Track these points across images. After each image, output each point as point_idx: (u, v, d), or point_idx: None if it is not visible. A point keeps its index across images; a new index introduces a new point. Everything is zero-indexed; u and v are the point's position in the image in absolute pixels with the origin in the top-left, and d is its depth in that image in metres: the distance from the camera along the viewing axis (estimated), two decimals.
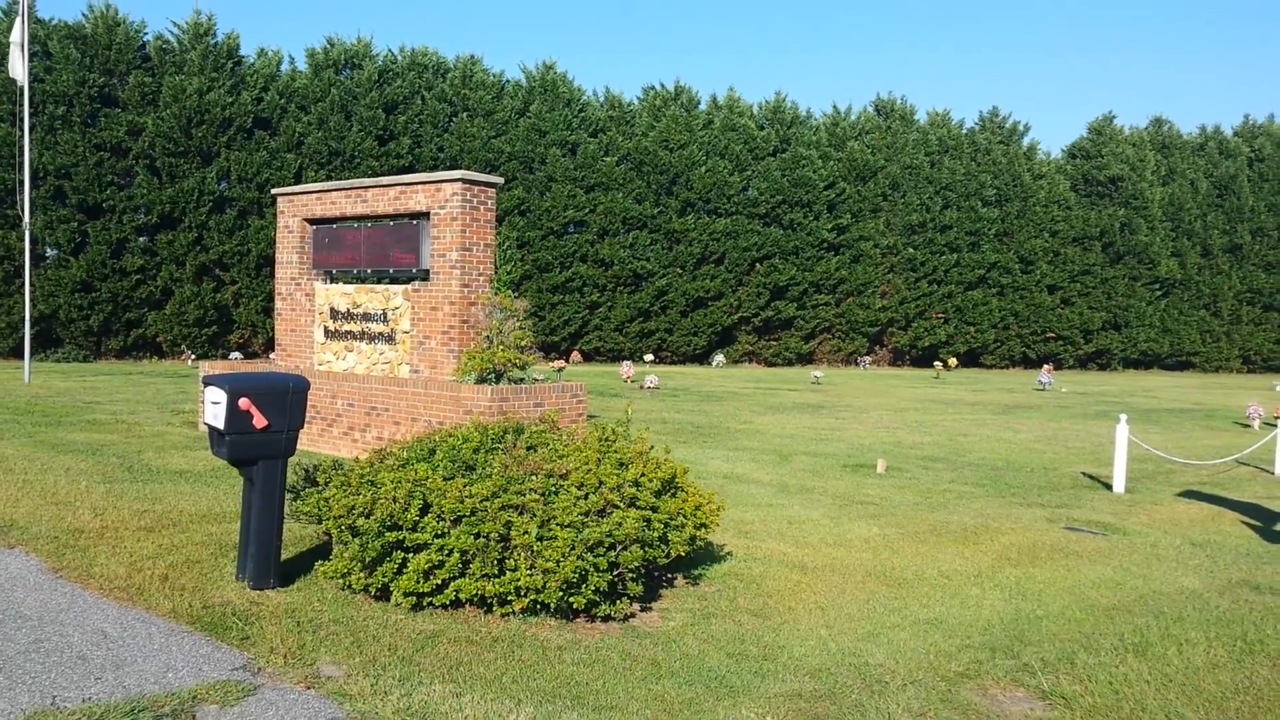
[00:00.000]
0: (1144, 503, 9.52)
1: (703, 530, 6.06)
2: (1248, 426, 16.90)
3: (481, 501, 5.41)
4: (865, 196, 34.44)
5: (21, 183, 20.63)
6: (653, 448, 6.35)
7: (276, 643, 4.82)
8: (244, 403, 5.57)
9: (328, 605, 5.39)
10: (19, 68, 19.02)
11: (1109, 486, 10.25)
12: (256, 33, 79.65)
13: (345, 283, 11.64)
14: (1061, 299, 36.44)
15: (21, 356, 21.04)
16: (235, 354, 27.09)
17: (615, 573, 5.36)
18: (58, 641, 4.73)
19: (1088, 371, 36.47)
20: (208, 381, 5.77)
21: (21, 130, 20.69)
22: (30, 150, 20.25)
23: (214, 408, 5.68)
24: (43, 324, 25.85)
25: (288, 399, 5.76)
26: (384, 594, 5.47)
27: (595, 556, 5.22)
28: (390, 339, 10.94)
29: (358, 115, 29.16)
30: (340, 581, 5.58)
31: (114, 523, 6.86)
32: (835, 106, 36.85)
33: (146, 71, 27.55)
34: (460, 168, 29.18)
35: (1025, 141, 37.76)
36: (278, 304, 12.37)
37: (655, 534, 5.63)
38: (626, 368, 22.92)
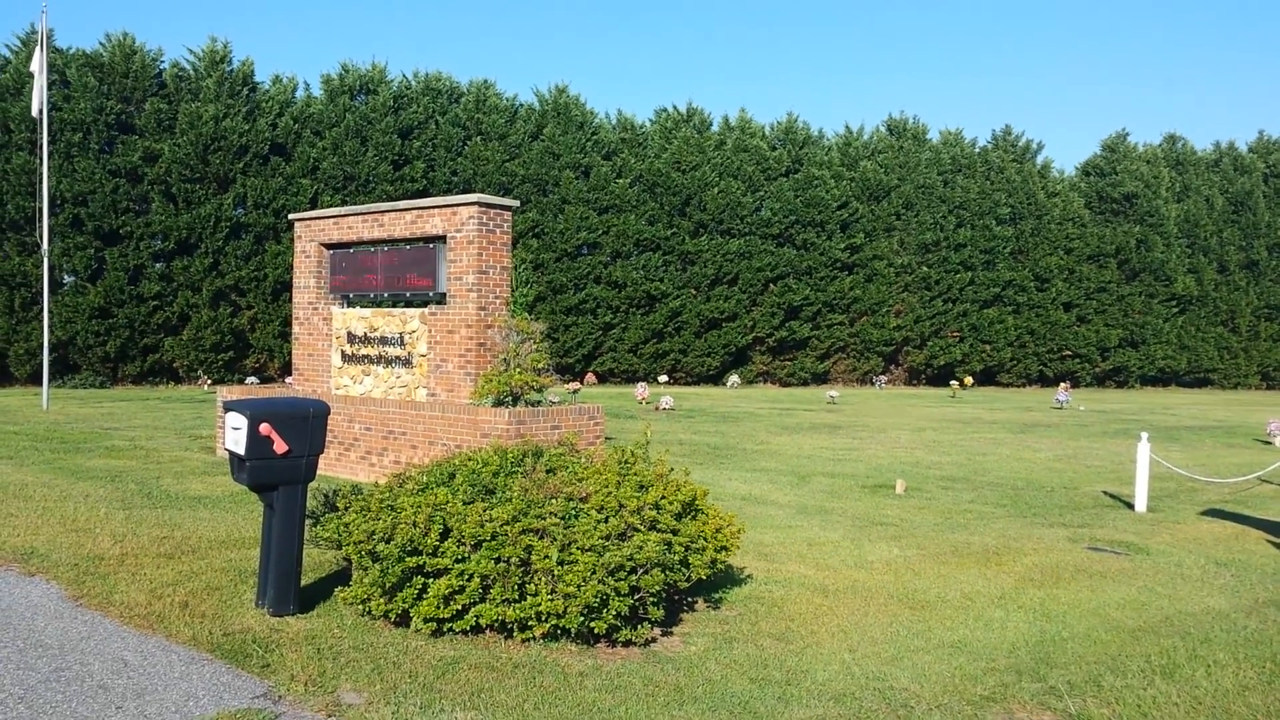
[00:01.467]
0: (1167, 522, 9.42)
1: (723, 553, 6.02)
2: (1269, 444, 16.74)
3: (502, 526, 5.39)
4: (879, 216, 34.44)
5: (40, 210, 20.82)
6: (672, 470, 6.32)
7: (297, 670, 4.80)
8: (265, 428, 5.58)
9: (348, 632, 5.37)
10: (36, 97, 19.24)
11: (1131, 505, 10.15)
12: (272, 59, 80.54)
13: (362, 307, 11.67)
14: (1078, 316, 36.29)
15: (40, 383, 21.19)
16: (251, 379, 27.20)
17: (636, 597, 5.32)
18: (79, 670, 4.72)
19: (1105, 389, 36.25)
20: (228, 407, 5.78)
21: (40, 158, 20.90)
22: (48, 178, 20.45)
23: (234, 433, 5.69)
24: (60, 350, 26.02)
25: (308, 424, 5.76)
26: (404, 620, 5.45)
27: (616, 580, 5.18)
28: (407, 362, 10.96)
29: (373, 140, 29.37)
30: (360, 607, 5.56)
31: (134, 549, 6.87)
32: (847, 126, 36.97)
33: (163, 99, 27.83)
34: (474, 191, 29.34)
35: (1039, 159, 37.75)
36: (295, 328, 12.41)
37: (676, 557, 5.59)
38: (641, 389, 22.90)
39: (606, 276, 31.44)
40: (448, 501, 5.63)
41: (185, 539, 7.22)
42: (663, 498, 5.91)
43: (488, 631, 5.38)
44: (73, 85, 26.63)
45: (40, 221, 20.80)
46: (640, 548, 5.36)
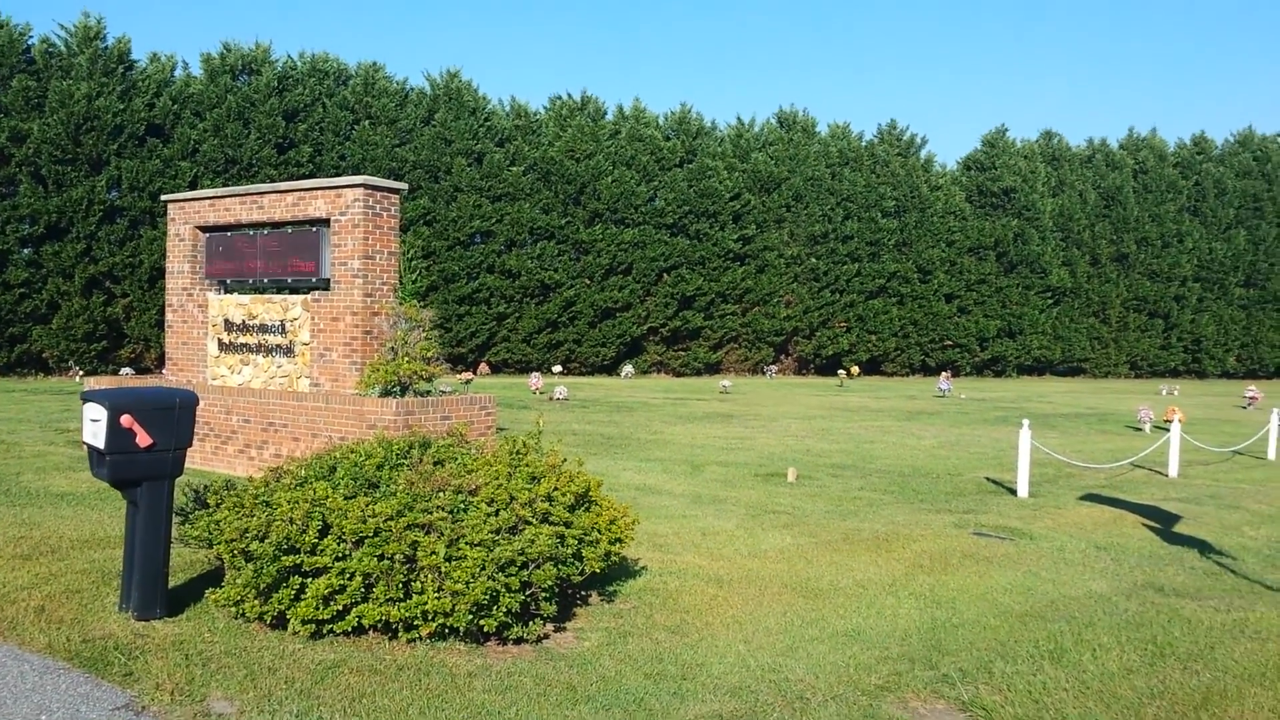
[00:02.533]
0: (1048, 507, 9.68)
1: (618, 545, 5.89)
2: (1139, 430, 17.47)
3: (386, 521, 5.15)
4: (769, 207, 34.83)
5: None
6: (565, 460, 6.16)
7: (163, 678, 4.49)
8: (126, 420, 5.22)
9: (219, 636, 5.06)
10: None
11: (1013, 491, 10.41)
12: (149, 38, 76.98)
13: (241, 293, 11.17)
14: (959, 307, 37.37)
15: None
16: (127, 370, 25.93)
17: (528, 593, 5.15)
18: None
19: (984, 378, 37.46)
20: (86, 398, 5.39)
21: None
22: None
23: (93, 425, 5.30)
24: None
25: (174, 415, 5.41)
26: (281, 622, 5.16)
27: (507, 576, 5.00)
28: (289, 351, 10.53)
29: (256, 122, 28.30)
30: (233, 610, 5.25)
31: None
32: (739, 118, 37.23)
33: (31, 75, 26.26)
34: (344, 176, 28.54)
35: (923, 154, 38.71)
36: (169, 316, 11.82)
37: (569, 551, 5.44)
38: (535, 379, 22.64)
39: (500, 265, 31.01)
40: (327, 496, 5.36)
41: (45, 539, 6.74)
42: (555, 489, 5.75)
43: (371, 633, 5.13)
44: None
45: None
46: (532, 541, 5.19)
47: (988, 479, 11.37)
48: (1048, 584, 6.80)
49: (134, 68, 27.83)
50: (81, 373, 25.75)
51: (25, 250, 26.15)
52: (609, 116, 34.09)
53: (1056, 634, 5.67)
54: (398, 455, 6.04)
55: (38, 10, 72.57)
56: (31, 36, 26.84)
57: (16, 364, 26.28)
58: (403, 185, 10.65)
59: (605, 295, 32.03)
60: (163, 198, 12.21)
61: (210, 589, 5.39)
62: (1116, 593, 6.63)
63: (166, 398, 5.45)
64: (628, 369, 31.94)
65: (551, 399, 19.96)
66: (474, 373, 28.68)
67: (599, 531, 5.77)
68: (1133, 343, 39.93)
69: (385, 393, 9.57)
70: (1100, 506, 9.77)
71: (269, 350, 10.70)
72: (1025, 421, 10.79)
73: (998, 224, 37.81)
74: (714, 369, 34.29)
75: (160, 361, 26.67)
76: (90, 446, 5.36)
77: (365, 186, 10.04)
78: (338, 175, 28.42)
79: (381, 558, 5.05)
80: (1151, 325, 40.14)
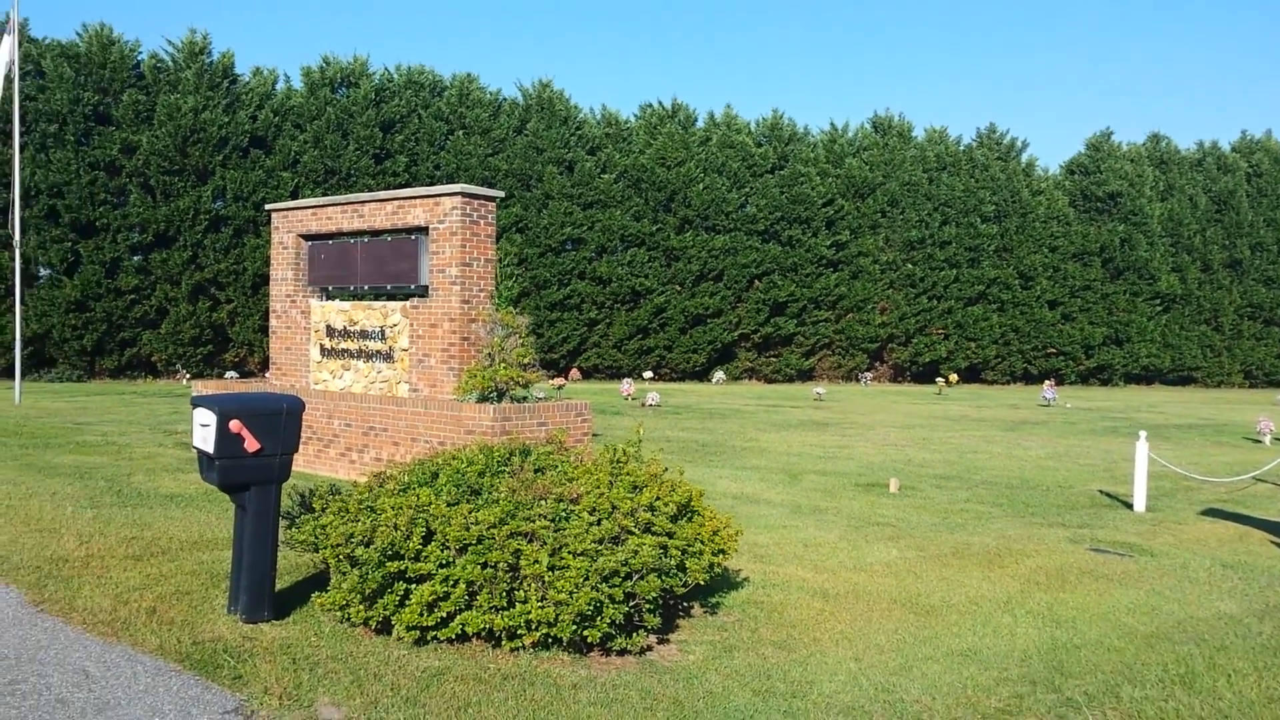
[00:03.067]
0: (1167, 522, 9.22)
1: (721, 556, 5.75)
2: (1258, 442, 16.62)
3: (488, 529, 5.11)
4: (864, 213, 34.25)
5: (12, 201, 20.31)
6: (666, 469, 6.05)
7: (271, 682, 4.50)
8: (235, 425, 5.27)
9: (325, 640, 5.07)
10: (3, 86, 18.76)
11: (1129, 505, 9.95)
12: (252, 51, 79.55)
13: (342, 300, 11.35)
14: (1062, 314, 36.20)
15: (12, 377, 20.70)
16: (231, 373, 26.74)
17: (632, 604, 5.05)
18: (35, 683, 4.41)
19: (1090, 387, 36.21)
20: (196, 403, 5.47)
21: (13, 148, 20.41)
22: (22, 169, 19.96)
23: (203, 430, 5.38)
24: (36, 344, 25.52)
25: (281, 421, 5.45)
26: (385, 627, 5.16)
27: (611, 587, 4.91)
28: (388, 357, 10.64)
29: (354, 133, 28.95)
30: (339, 614, 5.26)
31: (100, 551, 6.54)
32: (833, 123, 36.71)
33: (141, 90, 27.31)
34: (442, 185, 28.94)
35: (1024, 158, 37.64)
36: (272, 321, 12.07)
37: (673, 562, 5.32)
38: (627, 385, 22.61)
39: (591, 272, 31.11)
40: (431, 503, 5.34)
41: (155, 540, 6.90)
42: (657, 499, 5.64)
43: (474, 640, 5.09)
44: (48, 76, 26.09)
45: (12, 213, 20.29)
46: (635, 552, 5.09)
47: (1101, 492, 10.89)
48: (1173, 604, 6.43)
49: (237, 81, 28.71)
50: (188, 376, 26.62)
51: (135, 258, 27.19)
52: (699, 124, 33.95)
53: (1186, 657, 5.34)
54: (499, 462, 6.00)
55: (146, 26, 75.63)
56: (141, 52, 27.91)
57: (127, 367, 27.31)
58: (499, 193, 10.69)
59: (696, 302, 31.88)
60: (267, 207, 12.49)
61: (316, 593, 5.41)
62: (1248, 614, 6.24)
63: (273, 403, 5.49)
64: (719, 375, 31.72)
65: (644, 405, 19.89)
66: (565, 378, 28.81)
67: (702, 542, 5.64)
68: (1247, 351, 38.17)
69: (482, 398, 9.59)
70: (1223, 522, 9.27)
71: (369, 356, 10.84)
72: (1142, 433, 10.31)
73: (1103, 229, 36.55)
74: (806, 376, 33.84)
75: (263, 365, 27.45)
76: (200, 451, 5.44)
77: (463, 194, 10.10)
78: (432, 185, 28.92)
79: (485, 565, 5.00)
80: (1268, 334, 38.33)
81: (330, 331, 11.30)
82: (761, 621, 5.70)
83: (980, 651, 5.39)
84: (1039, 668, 5.18)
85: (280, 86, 29.56)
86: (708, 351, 32.23)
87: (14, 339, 21.08)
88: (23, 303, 19.88)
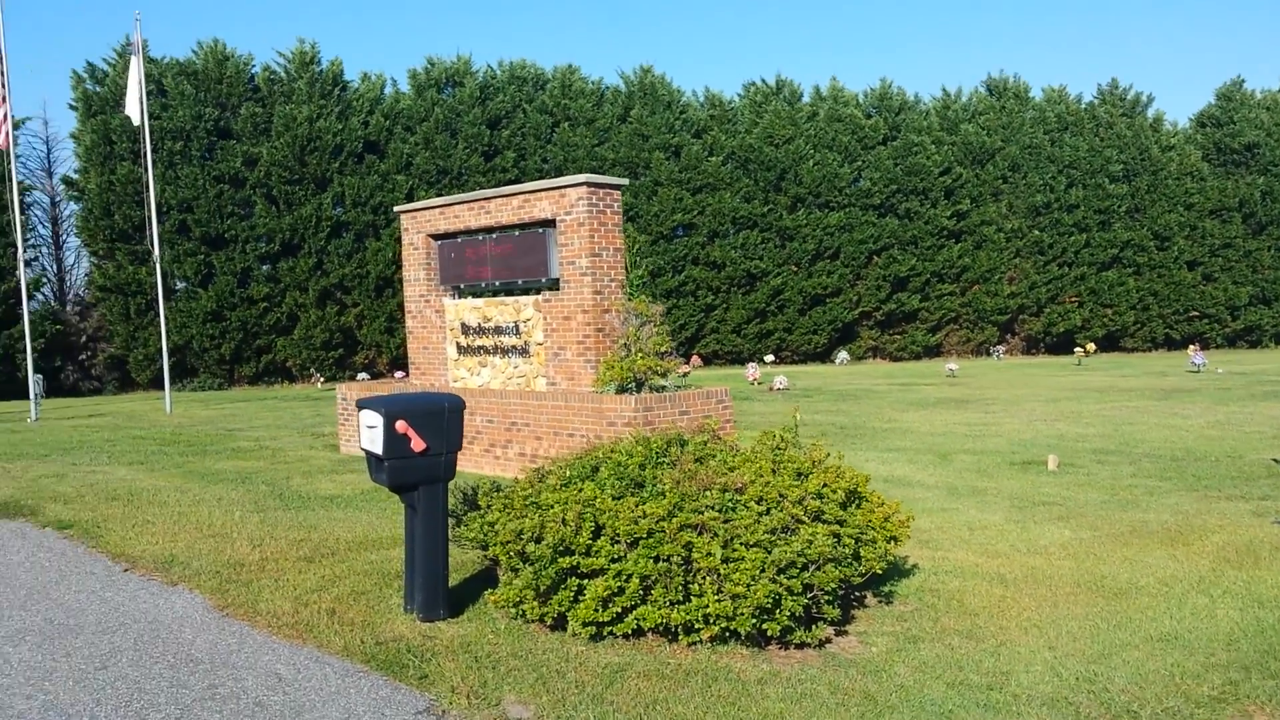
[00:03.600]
0: None
1: (893, 544, 5.54)
2: None
3: (658, 522, 5.02)
4: (984, 180, 33.17)
5: (149, 218, 21.25)
6: (829, 455, 5.87)
7: (457, 681, 4.50)
8: (400, 425, 5.30)
9: (503, 637, 5.06)
10: (135, 107, 19.61)
11: None
12: (358, 58, 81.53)
13: (474, 297, 11.45)
14: (1203, 275, 34.45)
15: (161, 387, 21.69)
16: (362, 375, 27.51)
17: (809, 595, 4.89)
18: (232, 687, 4.51)
19: (1238, 350, 34.37)
20: (362, 405, 5.52)
21: (144, 167, 21.34)
22: (154, 186, 20.87)
23: (370, 432, 5.43)
24: (178, 355, 26.69)
25: (444, 419, 5.47)
26: (559, 624, 5.12)
27: (788, 579, 4.76)
28: (524, 352, 10.70)
29: (462, 132, 29.38)
30: (512, 611, 5.25)
31: (273, 554, 6.71)
32: (944, 90, 35.70)
33: (257, 102, 28.23)
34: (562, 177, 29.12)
35: (1150, 112, 35.89)
36: (408, 322, 12.27)
37: (847, 551, 5.14)
38: (752, 370, 22.36)
39: (704, 257, 30.94)
40: (596, 497, 5.28)
41: (323, 541, 7.04)
42: (825, 485, 5.46)
43: (649, 635, 5.01)
44: (170, 94, 27.20)
45: (149, 229, 21.23)
46: (810, 542, 4.93)
47: (1275, 460, 10.23)
48: None
49: (348, 88, 29.42)
50: (322, 379, 27.49)
51: (264, 267, 28.20)
52: (805, 99, 33.38)
53: None
54: (657, 454, 5.91)
55: (253, 38, 78.24)
56: (254, 66, 28.85)
57: (264, 373, 28.35)
58: (623, 181, 10.60)
59: (813, 281, 31.39)
60: (395, 209, 12.69)
61: (488, 590, 5.42)
62: None
63: (436, 402, 5.51)
64: (842, 355, 31.19)
65: (772, 389, 19.64)
66: (689, 365, 28.74)
67: (874, 529, 5.45)
68: None
69: (621, 389, 9.54)
70: None
71: (505, 351, 10.91)
72: None
73: (1241, 183, 34.61)
74: (934, 352, 33.00)
75: (391, 365, 28.16)
76: (369, 452, 5.49)
77: (588, 185, 10.05)
78: (540, 178, 29.15)
79: (657, 559, 4.92)
80: None
81: (465, 329, 11.42)
82: (941, 610, 5.48)
83: (1181, 636, 5.06)
84: (1248, 651, 4.83)
85: (388, 91, 30.20)
86: (828, 332, 31.72)
87: (160, 350, 22.08)
88: (164, 315, 20.77)
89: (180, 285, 27.55)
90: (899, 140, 32.66)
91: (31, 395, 18.54)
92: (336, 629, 5.19)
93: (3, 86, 17.77)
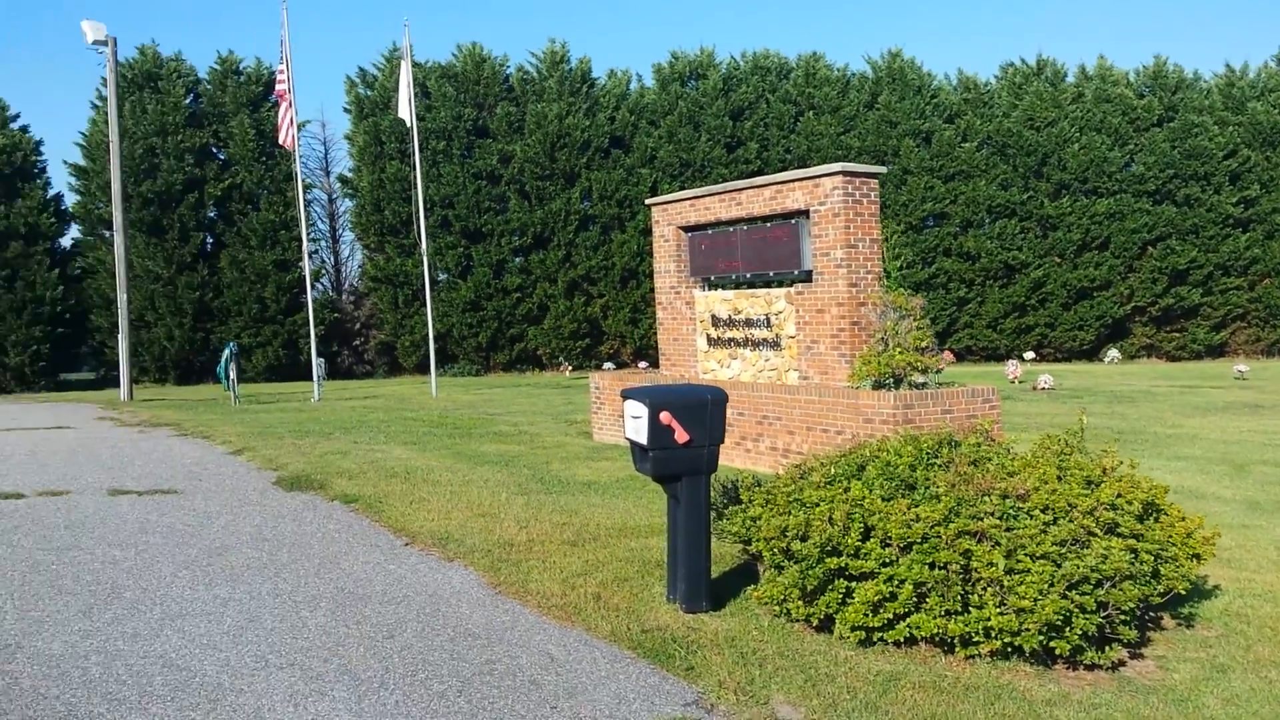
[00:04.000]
0: None
1: (1195, 562, 5.03)
2: None
3: (933, 527, 4.77)
4: (1275, 164, 29.93)
5: (416, 214, 22.72)
6: (1121, 463, 5.40)
7: (724, 676, 4.46)
8: (665, 417, 5.31)
9: (767, 635, 4.98)
10: (405, 109, 20.97)
11: None
12: (605, 54, 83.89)
13: (724, 288, 11.44)
14: None
15: (427, 371, 23.20)
16: (608, 365, 28.30)
17: (1104, 614, 4.51)
18: (508, 664, 4.66)
19: None
20: (627, 395, 5.58)
21: (413, 165, 22.81)
22: (420, 183, 22.30)
23: (635, 422, 5.48)
24: (439, 342, 28.44)
25: (707, 412, 5.44)
26: (825, 625, 4.98)
27: (1080, 595, 4.41)
28: (775, 345, 10.57)
29: (704, 125, 29.55)
30: (776, 609, 5.16)
31: (538, 536, 6.94)
32: (1228, 65, 32.33)
33: (511, 102, 29.56)
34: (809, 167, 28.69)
35: None
36: (659, 313, 12.43)
37: (1145, 568, 4.71)
38: (1013, 367, 21.19)
39: (957, 248, 29.66)
40: (864, 497, 5.09)
41: (584, 526, 7.23)
42: (1119, 496, 5.03)
43: (922, 644, 4.78)
44: (433, 96, 28.94)
45: (417, 224, 22.70)
46: (1104, 557, 4.55)
47: None
48: None
49: (595, 85, 30.25)
50: (570, 368, 28.50)
51: (517, 259, 29.54)
52: (1069, 79, 31.26)
53: None
54: (928, 455, 5.64)
55: (507, 38, 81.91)
56: (509, 66, 30.19)
57: (516, 361, 29.74)
58: (881, 169, 10.25)
59: (1079, 274, 29.40)
60: (645, 201, 12.88)
61: (751, 586, 5.36)
62: None
63: (698, 395, 5.50)
64: (1113, 354, 29.06)
65: (1035, 389, 18.54)
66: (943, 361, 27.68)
67: (1175, 546, 4.96)
68: None
69: (877, 385, 9.24)
70: None
71: (755, 344, 10.84)
72: None
73: None
74: (1217, 352, 30.16)
75: (635, 356, 28.81)
76: (633, 442, 5.55)
77: (844, 174, 9.77)
78: (784, 168, 28.85)
79: (933, 566, 4.68)
80: None
81: (715, 321, 11.43)
82: (1253, 639, 4.92)
83: None
84: None
85: (633, 86, 30.80)
86: (1096, 328, 29.63)
87: (425, 337, 23.61)
88: (429, 305, 22.18)
89: (442, 277, 29.31)
90: (1176, 121, 30.02)
91: (315, 377, 20.28)
92: (603, 614, 5.28)
93: (289, 91, 19.48)
